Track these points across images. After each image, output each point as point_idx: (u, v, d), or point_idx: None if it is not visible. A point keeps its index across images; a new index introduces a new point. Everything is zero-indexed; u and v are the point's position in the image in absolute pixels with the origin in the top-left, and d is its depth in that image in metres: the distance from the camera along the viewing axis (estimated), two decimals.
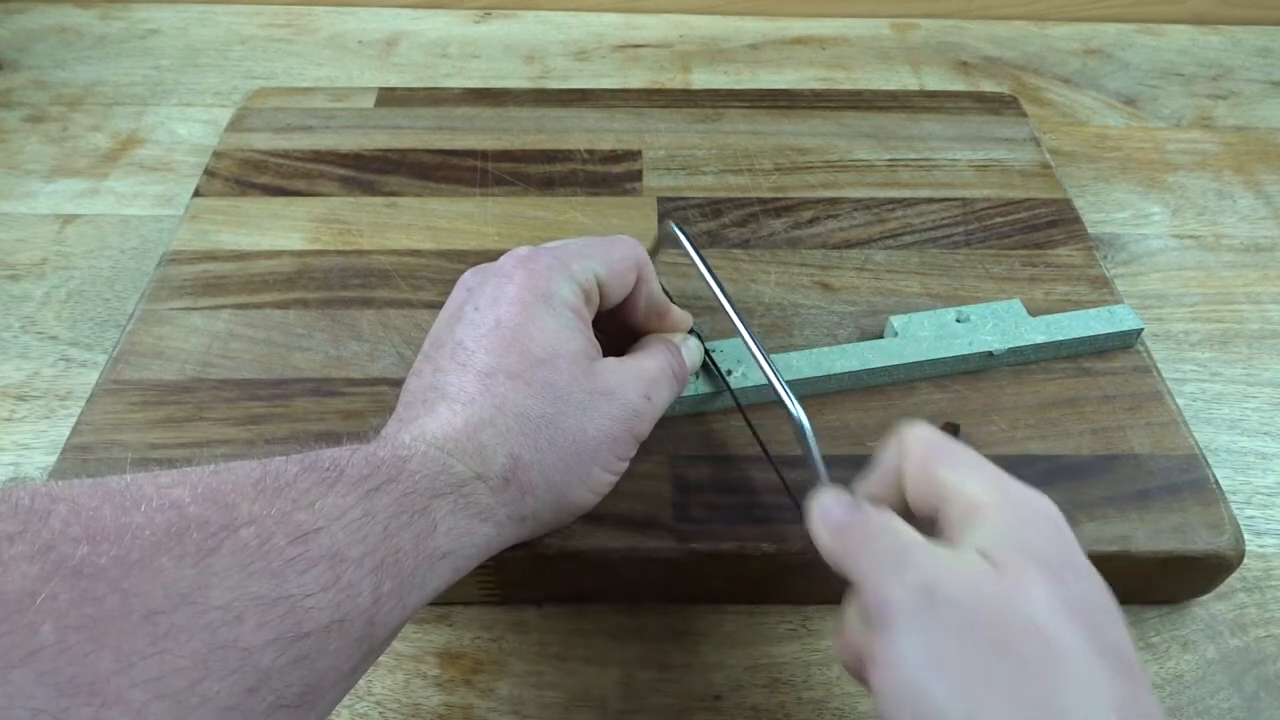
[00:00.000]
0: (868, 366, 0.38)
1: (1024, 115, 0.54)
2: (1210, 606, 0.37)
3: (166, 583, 0.19)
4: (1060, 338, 0.39)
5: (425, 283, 0.43)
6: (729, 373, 0.37)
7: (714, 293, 0.33)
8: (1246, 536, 0.36)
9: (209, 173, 0.49)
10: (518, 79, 0.65)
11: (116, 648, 0.18)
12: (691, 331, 0.36)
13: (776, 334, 0.41)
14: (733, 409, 0.38)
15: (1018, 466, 0.36)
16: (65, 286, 0.48)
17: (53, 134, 0.58)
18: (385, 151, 0.51)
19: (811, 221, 0.47)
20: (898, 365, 0.38)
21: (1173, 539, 0.34)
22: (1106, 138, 0.60)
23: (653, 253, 0.39)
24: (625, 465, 0.31)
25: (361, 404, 0.38)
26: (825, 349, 0.39)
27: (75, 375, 0.44)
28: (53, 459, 0.36)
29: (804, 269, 0.44)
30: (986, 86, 0.65)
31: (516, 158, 0.50)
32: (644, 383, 0.30)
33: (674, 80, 0.65)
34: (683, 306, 0.42)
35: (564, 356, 0.29)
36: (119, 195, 0.54)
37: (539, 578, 0.35)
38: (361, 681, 0.34)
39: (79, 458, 0.36)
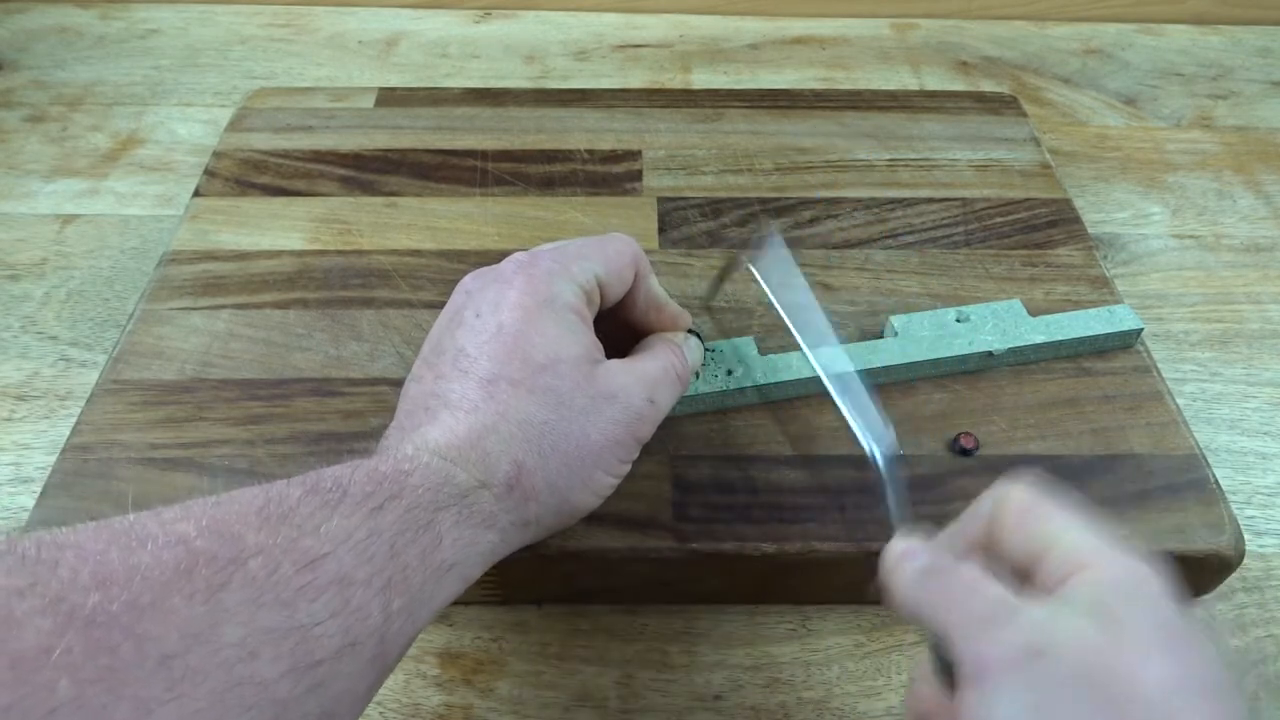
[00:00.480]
0: (868, 366, 0.38)
1: (1024, 115, 0.54)
2: (1210, 606, 0.36)
3: (179, 624, 0.19)
4: (1060, 338, 0.39)
5: (425, 283, 0.43)
6: (729, 373, 0.37)
7: (795, 309, 0.33)
8: (1246, 536, 0.36)
9: (209, 173, 0.49)
10: (518, 79, 0.65)
11: (134, 696, 0.18)
12: (692, 331, 0.36)
13: (776, 334, 0.41)
14: (732, 409, 0.38)
15: (1018, 466, 0.36)
16: (65, 286, 0.48)
17: (53, 134, 0.58)
18: (385, 151, 0.51)
19: (811, 221, 0.47)
20: (898, 365, 0.38)
21: (1173, 539, 0.34)
22: (1106, 138, 0.60)
23: (728, 270, 0.39)
24: (628, 468, 0.31)
25: (361, 404, 0.38)
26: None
27: (75, 375, 0.44)
28: (53, 459, 0.36)
29: (804, 269, 0.44)
30: (986, 86, 0.65)
31: (516, 158, 0.50)
32: (647, 385, 0.30)
33: (674, 80, 0.65)
34: (683, 306, 0.42)
35: (566, 361, 0.28)
36: (119, 195, 0.54)
37: (539, 578, 0.35)
38: None
39: (79, 458, 0.36)
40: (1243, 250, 0.52)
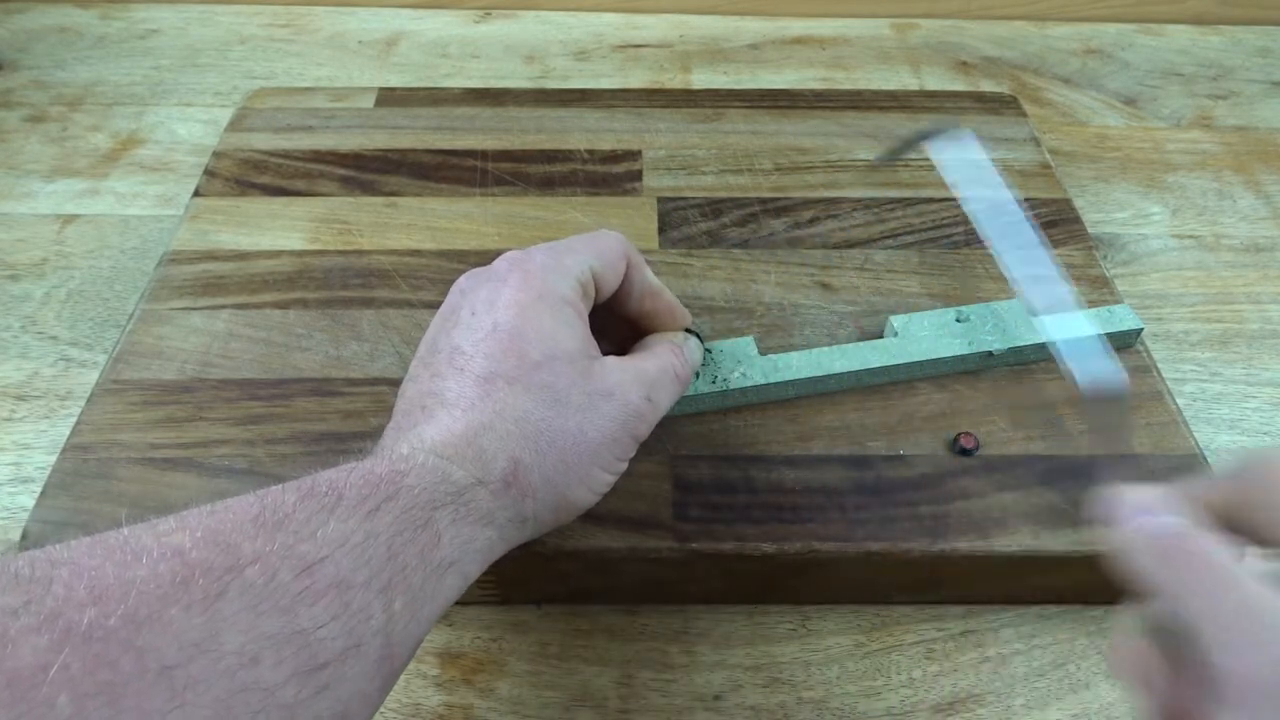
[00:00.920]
0: (868, 366, 0.38)
1: (1024, 115, 0.54)
2: None
3: (178, 634, 0.19)
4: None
5: (425, 283, 0.43)
6: (729, 373, 0.37)
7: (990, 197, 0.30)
8: None
9: (209, 173, 0.49)
10: (518, 79, 0.65)
11: (136, 708, 0.18)
12: (692, 331, 0.36)
13: (776, 334, 0.41)
14: (732, 409, 0.38)
15: (1017, 466, 0.36)
16: (65, 286, 0.48)
17: (53, 134, 0.58)
18: (385, 151, 0.51)
19: (811, 221, 0.47)
20: (898, 365, 0.38)
21: None
22: (1106, 138, 0.60)
23: (909, 144, 0.35)
24: (625, 465, 0.31)
25: (361, 404, 0.38)
26: (825, 349, 0.39)
27: (75, 375, 0.44)
28: (53, 459, 0.36)
29: (804, 269, 0.44)
30: (986, 86, 0.65)
31: (516, 158, 0.50)
32: (645, 384, 0.30)
33: (674, 80, 0.65)
34: (683, 306, 0.42)
35: (562, 358, 0.29)
36: (119, 195, 0.54)
37: (539, 578, 0.35)
38: None
39: (79, 458, 0.36)
40: (1243, 250, 0.52)
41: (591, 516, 0.33)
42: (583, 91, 0.56)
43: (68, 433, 0.37)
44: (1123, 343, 0.40)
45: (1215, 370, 0.45)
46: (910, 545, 0.34)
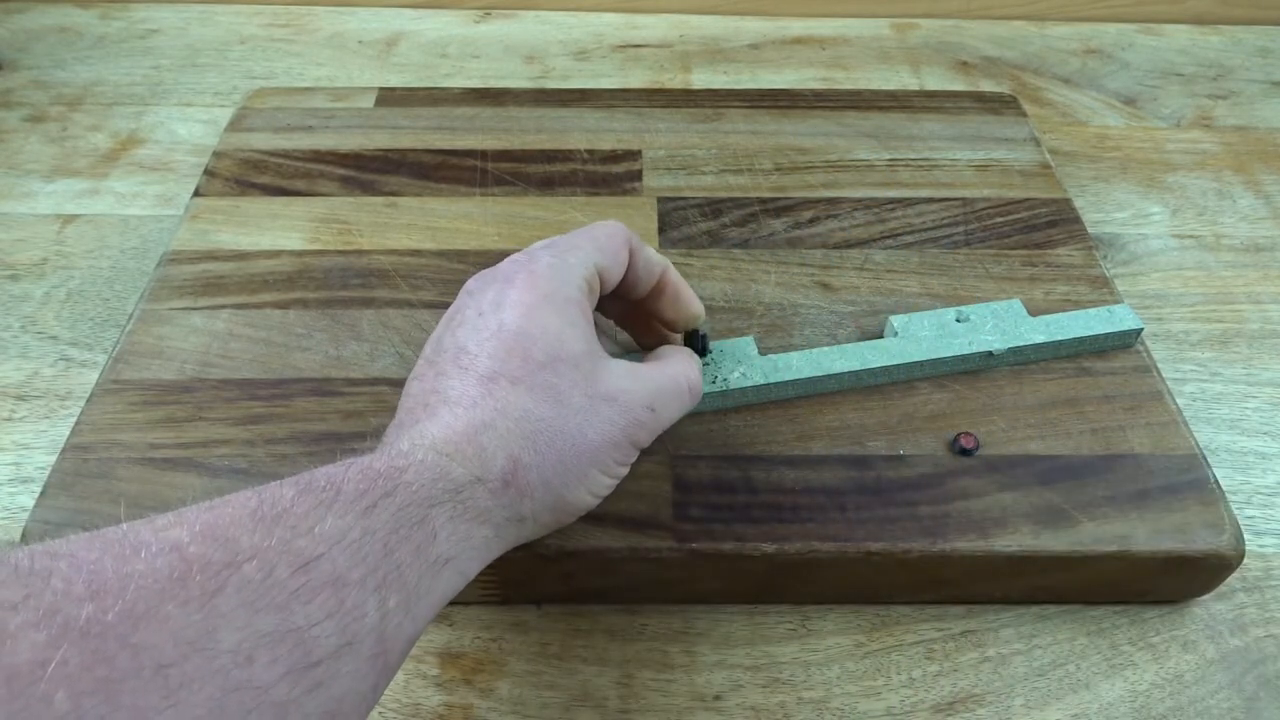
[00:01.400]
0: (868, 366, 0.38)
1: (1024, 115, 0.54)
2: (1210, 606, 0.37)
3: (175, 631, 0.19)
4: (1060, 337, 0.39)
5: (425, 283, 0.43)
6: (729, 373, 0.37)
7: None
8: (1246, 536, 0.36)
9: (209, 173, 0.49)
10: (518, 79, 0.65)
11: (131, 706, 0.18)
12: (699, 334, 0.36)
13: (776, 334, 0.41)
14: (732, 409, 0.38)
15: (1017, 466, 0.36)
16: (65, 286, 0.48)
17: (53, 134, 0.58)
18: (385, 151, 0.51)
19: (811, 221, 0.47)
20: (898, 365, 0.38)
21: (1173, 539, 0.34)
22: (1106, 138, 0.60)
23: None
24: (625, 470, 0.31)
25: (361, 404, 0.38)
26: (825, 349, 0.39)
27: (75, 375, 0.44)
28: (53, 459, 0.36)
29: (804, 269, 0.44)
30: (986, 86, 0.65)
31: (516, 158, 0.50)
32: (650, 393, 0.30)
33: (674, 80, 0.65)
34: None
35: (566, 360, 0.29)
36: (119, 195, 0.54)
37: (539, 578, 0.35)
38: None
39: (79, 457, 0.36)
40: (1243, 250, 0.52)
41: (591, 516, 0.33)
42: (583, 91, 0.56)
43: (68, 433, 0.37)
44: (1123, 343, 0.40)
45: (1215, 370, 0.45)
46: (910, 545, 0.34)
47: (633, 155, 0.51)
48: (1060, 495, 0.35)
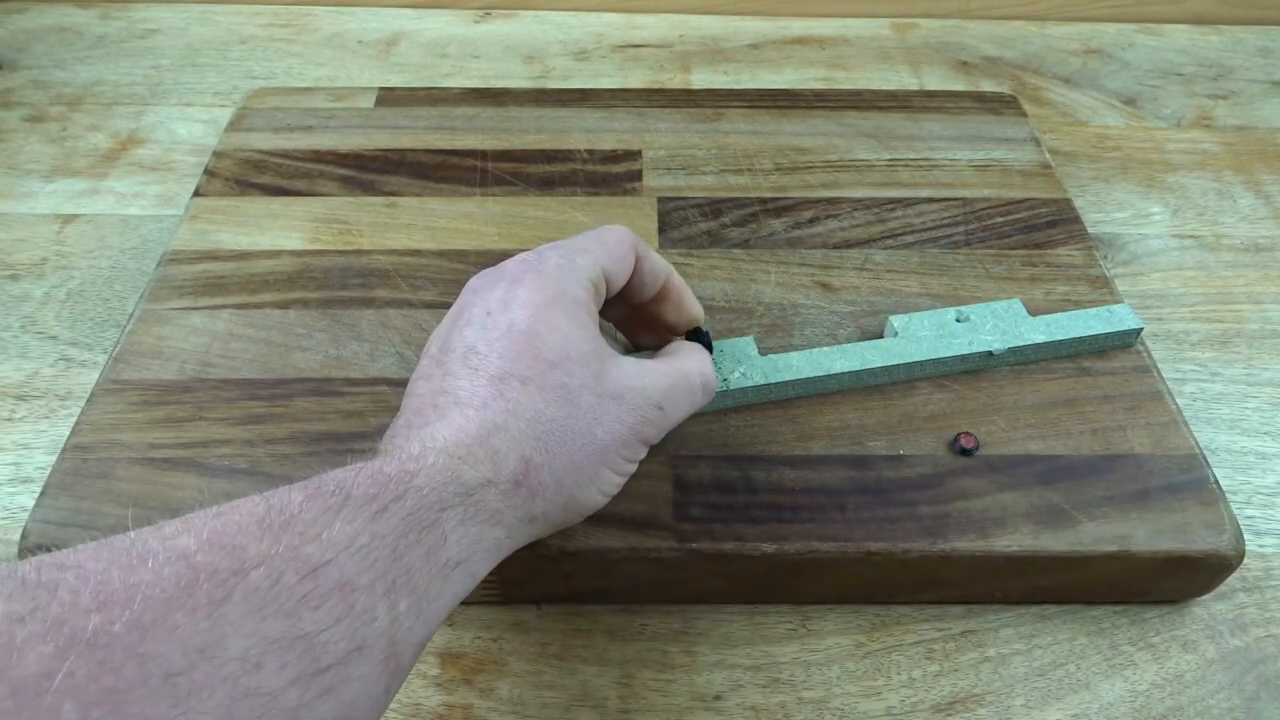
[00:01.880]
0: (868, 366, 0.38)
1: (1024, 115, 0.54)
2: (1210, 606, 0.37)
3: (182, 640, 0.19)
4: (1060, 337, 0.39)
5: (425, 283, 0.43)
6: (729, 373, 0.37)
7: None
8: (1246, 536, 0.36)
9: (209, 173, 0.49)
10: (518, 79, 0.65)
11: (139, 715, 0.18)
12: (702, 331, 0.36)
13: (776, 334, 0.41)
14: (732, 409, 0.38)
15: (1017, 466, 0.36)
16: (65, 286, 0.48)
17: (53, 134, 0.58)
18: (385, 151, 0.51)
19: (811, 221, 0.47)
20: (898, 365, 0.38)
21: (1173, 539, 0.34)
22: (1106, 138, 0.60)
23: None
24: (634, 467, 0.31)
25: (361, 404, 0.38)
26: (825, 349, 0.39)
27: (75, 375, 0.44)
28: (53, 459, 0.36)
29: (804, 269, 0.44)
30: (986, 86, 0.65)
31: (516, 158, 0.50)
32: (659, 390, 0.30)
33: (674, 80, 0.65)
34: None
35: (575, 359, 0.29)
36: (119, 195, 0.54)
37: (539, 578, 0.35)
38: None
39: (79, 457, 0.36)
40: (1243, 250, 0.52)
41: (592, 516, 0.33)
42: (583, 91, 0.56)
43: (68, 433, 0.37)
44: (1123, 343, 0.40)
45: (1215, 370, 0.45)
46: (910, 545, 0.34)
47: (633, 155, 0.51)
48: (1060, 495, 0.35)
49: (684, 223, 0.47)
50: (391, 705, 0.33)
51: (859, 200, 0.48)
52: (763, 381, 0.37)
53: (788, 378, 0.37)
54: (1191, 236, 0.53)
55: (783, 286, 0.43)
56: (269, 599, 0.21)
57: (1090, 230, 0.48)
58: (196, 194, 0.48)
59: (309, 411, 0.37)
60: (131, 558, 0.20)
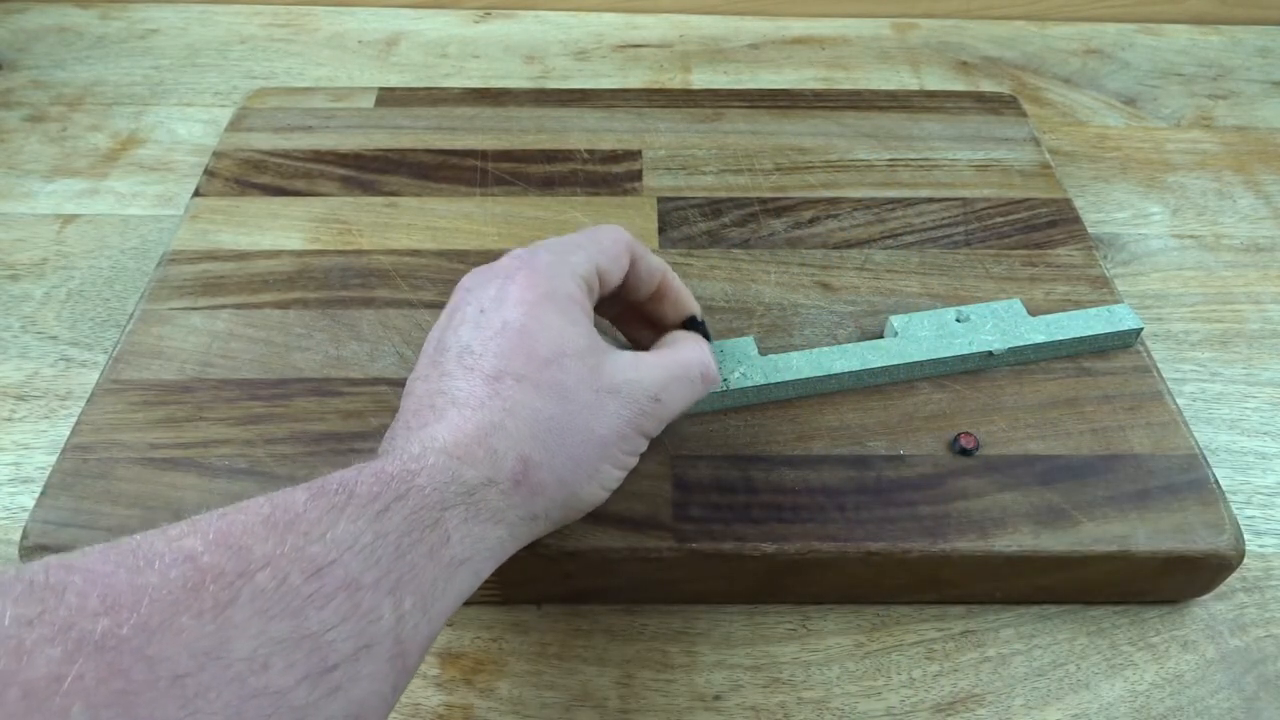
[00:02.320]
0: (868, 366, 0.38)
1: (1024, 115, 0.54)
2: (1210, 606, 0.37)
3: (189, 642, 0.19)
4: (1060, 337, 0.39)
5: (425, 283, 0.43)
6: (729, 373, 0.37)
7: None
8: (1246, 536, 0.36)
9: (209, 173, 0.49)
10: (518, 79, 0.65)
11: (149, 717, 0.18)
12: (700, 323, 0.36)
13: (776, 334, 0.41)
14: (732, 409, 0.38)
15: (1017, 466, 0.36)
16: (65, 286, 0.48)
17: (53, 134, 0.58)
18: (385, 151, 0.51)
19: (811, 221, 0.47)
20: (898, 365, 0.38)
21: (1173, 539, 0.34)
22: (1106, 138, 0.60)
23: None
24: (635, 460, 0.31)
25: (361, 404, 0.38)
26: (825, 349, 0.39)
27: (75, 375, 0.44)
28: (53, 459, 0.36)
29: (804, 269, 0.44)
30: (986, 86, 0.65)
31: (516, 158, 0.50)
32: (656, 382, 0.30)
33: (674, 80, 0.65)
34: None
35: (571, 355, 0.29)
36: (119, 195, 0.54)
37: (539, 578, 0.35)
38: None
39: (79, 458, 0.36)
40: (1243, 250, 0.52)
41: (591, 516, 0.33)
42: (583, 91, 0.56)
43: (68, 433, 0.37)
44: (1123, 342, 0.40)
45: (1215, 370, 0.45)
46: (910, 545, 0.34)
47: (633, 155, 0.51)
48: (1060, 495, 0.35)
49: (684, 223, 0.47)
50: None
51: (859, 200, 0.48)
52: (763, 381, 0.37)
53: (788, 378, 0.37)
54: (1191, 236, 0.53)
55: (783, 286, 0.43)
56: (275, 599, 0.21)
57: (1090, 230, 0.48)
58: (196, 194, 0.48)
59: (309, 411, 0.37)
60: (139, 560, 0.20)
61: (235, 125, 0.52)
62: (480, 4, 0.72)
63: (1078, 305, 0.42)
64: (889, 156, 0.51)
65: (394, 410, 0.37)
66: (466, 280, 0.32)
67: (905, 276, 0.44)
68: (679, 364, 0.31)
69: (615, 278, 0.32)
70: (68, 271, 0.49)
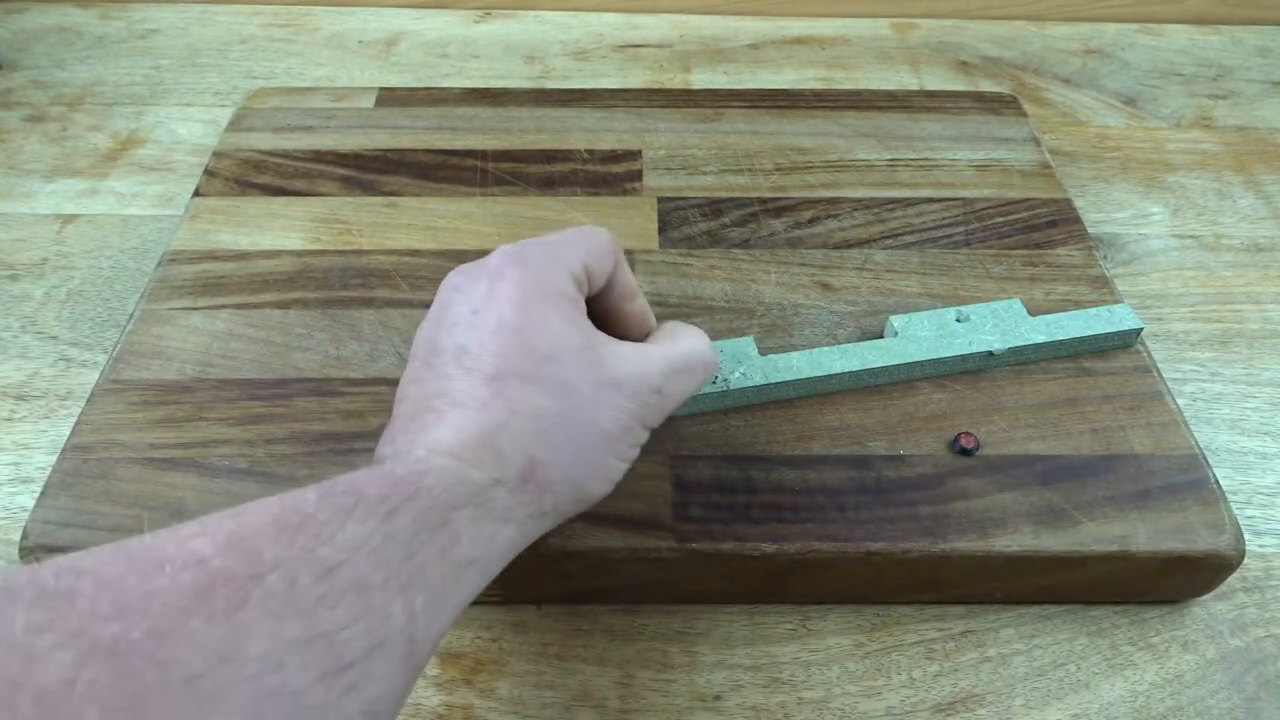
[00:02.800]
0: (868, 366, 0.38)
1: (1024, 115, 0.54)
2: (1210, 606, 0.37)
3: (201, 645, 0.19)
4: (1060, 337, 0.39)
5: (425, 283, 0.43)
6: (729, 373, 0.37)
7: None
8: (1246, 536, 0.36)
9: (209, 173, 0.49)
10: (518, 79, 0.65)
11: (163, 718, 0.18)
12: None
13: (776, 334, 0.41)
14: (732, 409, 0.38)
15: (1018, 466, 0.36)
16: (65, 286, 0.48)
17: (53, 134, 0.58)
18: (385, 151, 0.51)
19: (811, 221, 0.47)
20: (898, 365, 0.38)
21: (1173, 539, 0.34)
22: (1106, 138, 0.60)
23: None
24: (637, 452, 0.31)
25: (361, 404, 0.38)
26: (825, 349, 0.39)
27: (75, 375, 0.44)
28: (53, 459, 0.36)
29: (804, 269, 0.44)
30: (986, 86, 0.65)
31: (516, 158, 0.50)
32: (657, 374, 0.30)
33: (674, 80, 0.65)
34: (681, 305, 0.42)
35: (569, 351, 0.28)
36: (119, 195, 0.54)
37: (539, 578, 0.35)
38: None
39: (79, 458, 0.36)
40: (1243, 250, 0.52)
41: (592, 516, 0.33)
42: (583, 91, 0.56)
43: (68, 433, 0.37)
44: (1123, 342, 0.40)
45: (1215, 370, 0.45)
46: (910, 545, 0.34)
47: (633, 155, 0.51)
48: (1060, 495, 0.35)
49: (684, 223, 0.47)
50: None
51: (859, 200, 0.48)
52: (763, 381, 0.37)
53: (788, 378, 0.37)
54: (1191, 236, 0.53)
55: (783, 286, 0.43)
56: (286, 601, 0.21)
57: (1090, 230, 0.48)
58: (196, 194, 0.48)
59: (309, 411, 0.37)
60: (148, 564, 0.20)
61: (235, 125, 0.52)
62: (480, 4, 0.72)
63: (1078, 305, 0.42)
64: (889, 156, 0.51)
65: (394, 417, 0.37)
66: (453, 278, 0.31)
67: (905, 276, 0.44)
68: (680, 355, 0.31)
69: (599, 281, 0.32)
70: (68, 271, 0.49)
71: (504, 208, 0.47)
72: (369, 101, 0.54)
